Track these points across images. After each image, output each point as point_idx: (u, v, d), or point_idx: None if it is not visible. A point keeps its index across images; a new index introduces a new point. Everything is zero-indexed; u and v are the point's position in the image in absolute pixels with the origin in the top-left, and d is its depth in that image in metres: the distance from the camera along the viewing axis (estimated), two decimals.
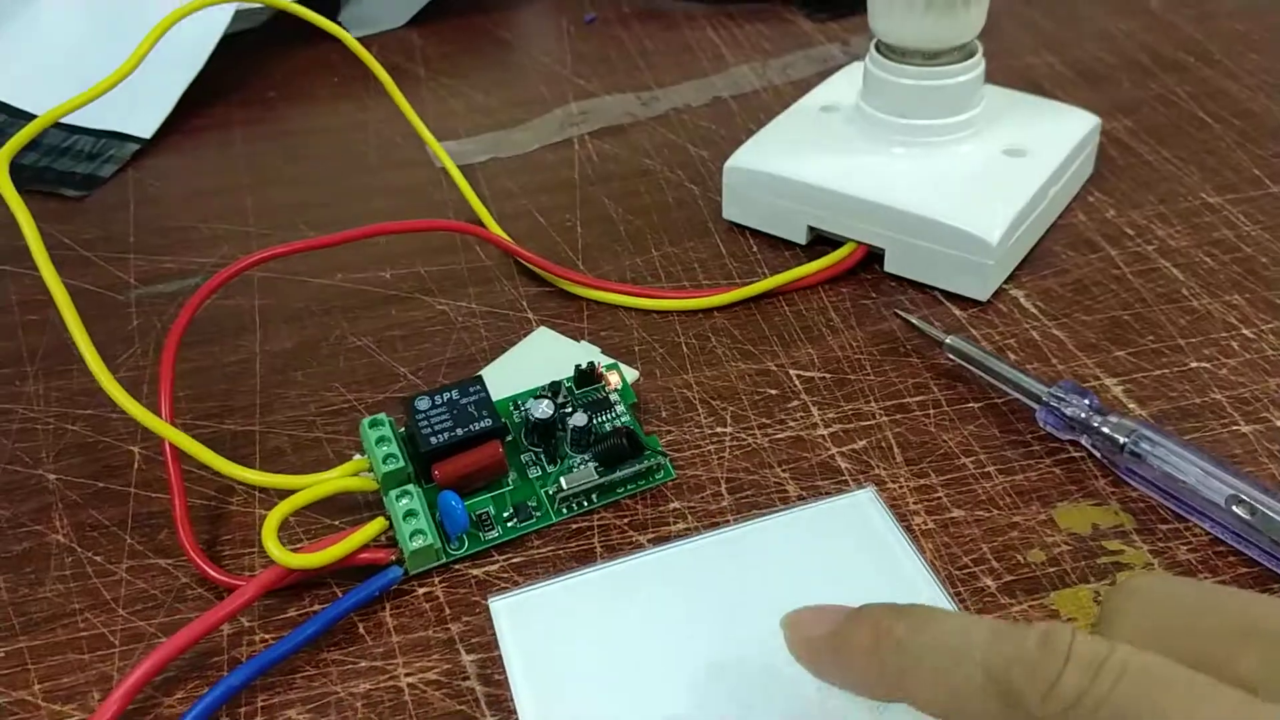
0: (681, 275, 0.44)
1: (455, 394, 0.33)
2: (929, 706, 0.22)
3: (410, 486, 0.32)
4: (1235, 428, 0.36)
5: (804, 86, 0.54)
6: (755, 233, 0.46)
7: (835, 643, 0.24)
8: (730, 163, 0.45)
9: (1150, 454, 0.33)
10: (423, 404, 0.33)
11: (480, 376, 0.34)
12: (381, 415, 0.33)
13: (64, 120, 0.56)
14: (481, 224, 0.46)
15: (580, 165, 0.52)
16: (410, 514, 0.31)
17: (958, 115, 0.43)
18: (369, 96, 0.58)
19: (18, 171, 0.52)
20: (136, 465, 0.37)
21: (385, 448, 0.33)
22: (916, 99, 0.43)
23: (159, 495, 0.35)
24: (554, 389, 0.36)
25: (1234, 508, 0.31)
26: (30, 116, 0.56)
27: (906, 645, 0.22)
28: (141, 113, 0.56)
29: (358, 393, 0.39)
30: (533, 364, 0.39)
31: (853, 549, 0.31)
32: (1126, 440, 0.33)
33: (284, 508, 0.32)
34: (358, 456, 0.34)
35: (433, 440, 0.32)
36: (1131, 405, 0.37)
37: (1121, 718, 0.19)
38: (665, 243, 0.46)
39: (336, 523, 0.34)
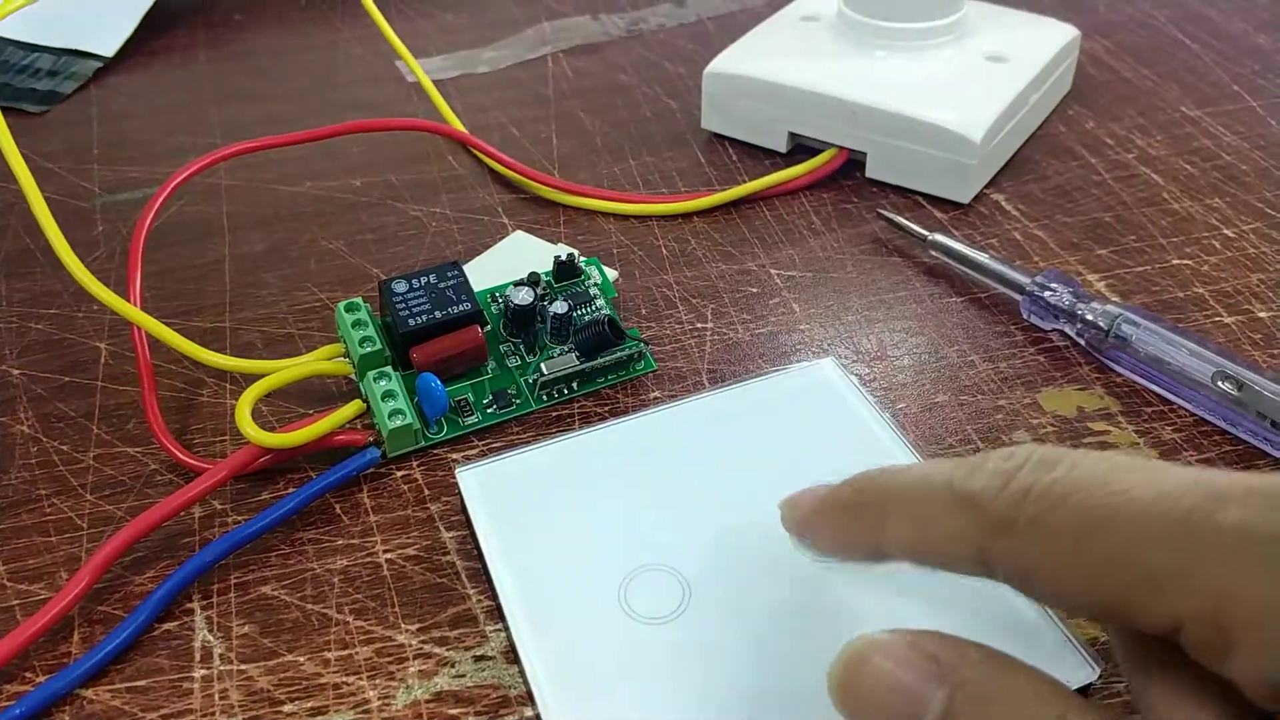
0: (660, 184, 0.43)
1: (433, 278, 0.33)
2: (904, 545, 0.22)
3: (388, 369, 0.31)
4: (1218, 319, 0.36)
5: (781, 6, 0.53)
6: (735, 142, 0.45)
7: (822, 507, 0.24)
8: (710, 68, 0.44)
9: (1135, 336, 0.32)
10: (400, 286, 0.32)
11: (457, 262, 0.33)
12: (358, 300, 0.33)
13: (24, 39, 0.55)
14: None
15: (555, 81, 0.51)
16: (389, 394, 0.31)
17: (940, 19, 0.43)
18: (338, 18, 0.57)
19: None
20: (104, 360, 0.36)
21: (362, 330, 0.32)
22: (899, 1, 0.42)
23: (127, 388, 0.34)
24: (533, 280, 0.35)
25: (1220, 384, 0.31)
26: None
27: (883, 488, 0.23)
28: (104, 31, 0.54)
29: (330, 292, 0.38)
30: (510, 265, 0.38)
31: (818, 414, 0.31)
32: (1111, 324, 0.33)
33: (258, 388, 0.31)
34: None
35: (410, 322, 0.31)
36: (1115, 299, 0.36)
37: (1070, 493, 0.19)
38: (643, 153, 0.45)
39: (309, 412, 0.33)
